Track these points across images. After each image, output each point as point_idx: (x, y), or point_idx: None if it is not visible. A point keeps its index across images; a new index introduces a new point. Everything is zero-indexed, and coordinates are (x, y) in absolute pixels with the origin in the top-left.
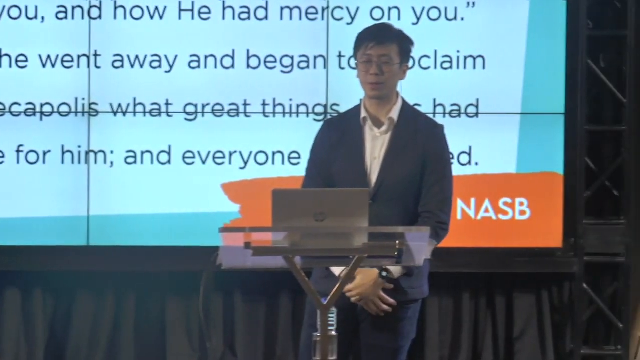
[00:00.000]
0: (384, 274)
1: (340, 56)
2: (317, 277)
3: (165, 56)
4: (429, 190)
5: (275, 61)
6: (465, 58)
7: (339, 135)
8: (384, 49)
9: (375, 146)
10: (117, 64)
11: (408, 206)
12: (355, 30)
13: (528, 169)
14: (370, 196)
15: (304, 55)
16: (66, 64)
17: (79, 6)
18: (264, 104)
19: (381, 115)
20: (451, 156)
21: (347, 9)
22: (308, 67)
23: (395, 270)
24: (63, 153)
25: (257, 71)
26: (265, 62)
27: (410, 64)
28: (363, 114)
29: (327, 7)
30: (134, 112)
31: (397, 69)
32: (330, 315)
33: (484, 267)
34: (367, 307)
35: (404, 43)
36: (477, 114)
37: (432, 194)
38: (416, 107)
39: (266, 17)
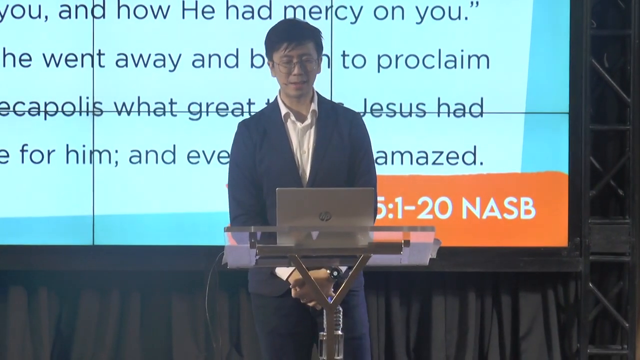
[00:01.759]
0: (335, 273)
1: (344, 55)
2: (259, 279)
3: (169, 55)
4: (358, 181)
5: None
6: (469, 57)
7: (260, 134)
8: (303, 48)
9: (303, 140)
10: (121, 63)
11: None
12: (359, 30)
13: (533, 169)
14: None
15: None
16: (70, 63)
17: (83, 5)
18: (268, 103)
19: (302, 109)
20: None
21: (351, 8)
22: None
23: (343, 266)
24: (67, 152)
25: (261, 70)
26: None
27: (414, 62)
28: (284, 110)
29: (331, 6)
30: (138, 112)
31: (316, 64)
32: (336, 315)
33: (489, 267)
34: (318, 306)
35: (317, 38)
36: (481, 114)
37: (361, 184)
38: (420, 106)
39: (270, 16)
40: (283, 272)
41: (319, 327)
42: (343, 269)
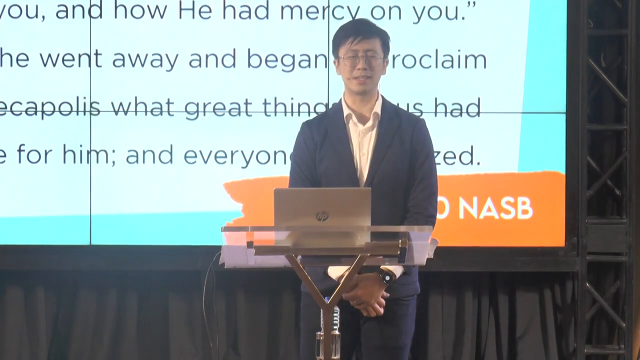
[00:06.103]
0: (387, 278)
1: None
2: (313, 279)
3: (166, 55)
4: (417, 185)
5: (276, 60)
6: (467, 57)
7: (321, 134)
8: (369, 43)
9: (363, 142)
10: (118, 62)
11: (397, 200)
12: None
13: (530, 168)
14: None
15: (305, 54)
16: (67, 63)
17: (80, 5)
18: (265, 103)
19: (365, 111)
20: (435, 152)
21: (348, 8)
22: (309, 66)
23: (397, 270)
24: (65, 152)
25: (258, 70)
26: (266, 61)
27: (411, 62)
28: (346, 111)
29: (328, 6)
30: (135, 111)
31: (381, 62)
32: (334, 315)
33: (486, 267)
34: (367, 312)
35: (385, 37)
36: (478, 113)
37: (420, 189)
38: (417, 106)
39: (267, 16)
40: (334, 271)
41: (363, 334)
42: (398, 273)
